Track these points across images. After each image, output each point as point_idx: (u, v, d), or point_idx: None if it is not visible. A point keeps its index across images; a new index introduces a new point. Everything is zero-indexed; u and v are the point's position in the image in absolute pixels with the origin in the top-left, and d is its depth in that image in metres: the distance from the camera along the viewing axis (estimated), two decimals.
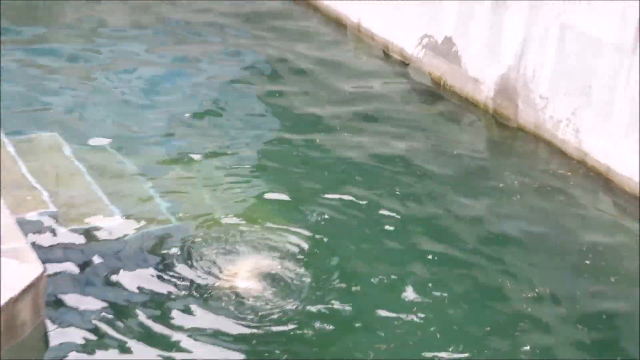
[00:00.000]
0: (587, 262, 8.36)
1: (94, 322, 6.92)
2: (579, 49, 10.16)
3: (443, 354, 6.86)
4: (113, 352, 6.63)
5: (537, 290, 7.81)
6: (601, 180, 9.87)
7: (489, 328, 7.26)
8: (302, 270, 7.72)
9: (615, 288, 8.04)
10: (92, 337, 6.75)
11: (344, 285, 7.61)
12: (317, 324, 7.11)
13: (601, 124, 9.92)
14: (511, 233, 8.80)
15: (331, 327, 7.10)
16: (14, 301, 6.23)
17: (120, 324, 6.93)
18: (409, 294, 7.59)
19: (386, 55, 13.51)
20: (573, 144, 10.32)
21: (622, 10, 9.56)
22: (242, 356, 6.72)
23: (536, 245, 8.65)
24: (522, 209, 9.31)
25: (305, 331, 7.03)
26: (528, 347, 7.03)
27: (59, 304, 7.04)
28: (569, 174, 10.08)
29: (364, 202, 9.08)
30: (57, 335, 6.70)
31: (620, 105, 9.70)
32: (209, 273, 7.62)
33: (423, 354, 6.88)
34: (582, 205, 9.52)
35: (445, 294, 7.63)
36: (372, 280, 7.77)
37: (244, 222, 8.44)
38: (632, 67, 9.50)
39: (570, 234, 8.90)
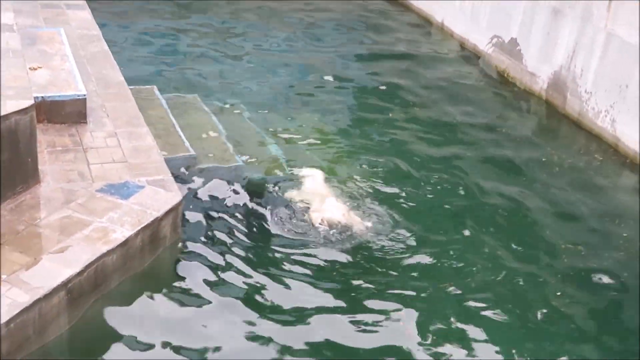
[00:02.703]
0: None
1: (219, 237, 7.08)
2: (620, 54, 9.88)
3: None
4: (234, 263, 6.75)
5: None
6: (629, 161, 9.62)
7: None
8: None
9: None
10: (216, 252, 6.89)
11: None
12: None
13: (633, 116, 9.66)
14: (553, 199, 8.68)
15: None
16: (159, 220, 6.49)
17: (235, 241, 7.05)
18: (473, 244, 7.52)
19: (462, 49, 13.36)
20: (609, 132, 10.08)
21: None
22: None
23: (571, 209, 8.50)
24: (561, 180, 9.15)
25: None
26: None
27: (192, 225, 7.21)
28: (604, 155, 9.85)
29: (442, 157, 9.19)
30: (189, 248, 6.88)
31: None
32: (307, 214, 7.60)
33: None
34: (610, 180, 9.31)
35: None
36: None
37: (349, 179, 8.39)
38: None
39: (599, 201, 8.71)
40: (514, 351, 6.07)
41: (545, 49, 11.37)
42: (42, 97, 7.53)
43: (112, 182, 6.84)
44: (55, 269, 5.64)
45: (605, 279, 7.16)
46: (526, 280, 6.99)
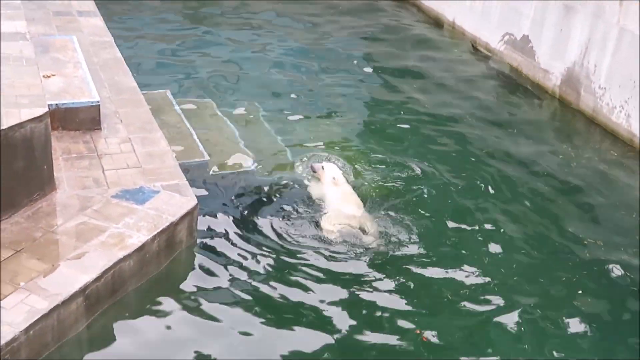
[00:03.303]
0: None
1: (234, 241, 7.08)
2: (633, 49, 9.81)
3: None
4: (249, 266, 6.76)
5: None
6: None
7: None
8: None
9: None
10: (232, 256, 6.89)
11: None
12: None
13: None
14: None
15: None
16: (174, 224, 6.51)
17: (251, 244, 7.05)
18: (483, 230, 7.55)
19: (474, 48, 13.31)
20: (624, 127, 10.00)
21: None
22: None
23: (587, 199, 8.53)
24: (579, 171, 9.15)
25: None
26: None
27: (207, 229, 7.22)
28: (619, 150, 9.78)
29: (457, 156, 9.28)
30: (205, 252, 6.89)
31: None
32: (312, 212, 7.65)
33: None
34: (628, 175, 9.23)
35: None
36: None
37: (363, 181, 8.37)
38: None
39: (617, 193, 8.70)
40: (535, 350, 6.04)
41: (557, 46, 11.31)
42: (56, 104, 7.56)
43: (127, 187, 6.86)
44: (72, 276, 5.66)
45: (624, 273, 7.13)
46: (547, 281, 6.96)
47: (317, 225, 7.38)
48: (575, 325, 6.40)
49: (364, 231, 7.31)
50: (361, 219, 7.44)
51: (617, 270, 7.16)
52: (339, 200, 7.66)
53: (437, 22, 14.52)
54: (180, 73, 11.20)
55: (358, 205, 7.66)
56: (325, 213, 7.53)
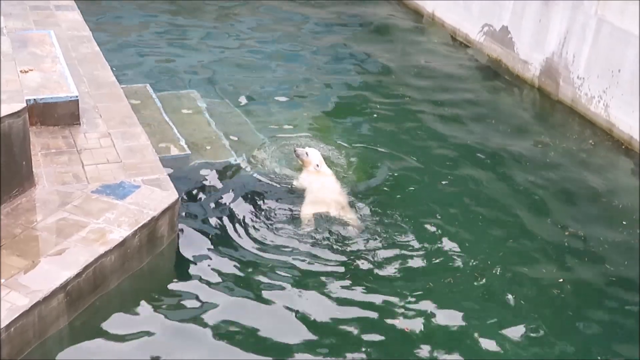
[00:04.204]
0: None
1: (216, 235, 7.07)
2: (612, 40, 9.88)
3: None
4: (231, 260, 6.75)
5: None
6: (624, 146, 9.63)
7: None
8: None
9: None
10: (214, 249, 6.88)
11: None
12: None
13: (627, 101, 9.67)
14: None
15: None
16: (156, 219, 6.48)
17: (233, 237, 7.04)
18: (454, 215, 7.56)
19: (453, 39, 13.34)
20: (602, 117, 10.08)
21: None
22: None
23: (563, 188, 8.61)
24: (558, 160, 9.21)
25: None
26: None
27: (189, 223, 7.20)
28: (597, 139, 9.86)
29: (436, 147, 9.27)
30: (187, 247, 6.88)
31: None
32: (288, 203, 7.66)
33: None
34: (605, 163, 9.33)
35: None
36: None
37: (343, 171, 8.38)
38: None
39: (597, 185, 8.76)
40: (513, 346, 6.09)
41: (536, 37, 11.36)
42: (34, 99, 7.50)
43: (108, 182, 6.82)
44: (53, 272, 5.62)
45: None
46: (528, 269, 7.02)
47: (298, 213, 7.39)
48: (558, 315, 6.47)
49: (344, 218, 7.31)
50: (341, 206, 7.45)
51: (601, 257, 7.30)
52: (320, 187, 7.66)
53: (417, 14, 14.53)
54: (161, 67, 11.14)
55: (339, 192, 7.68)
56: (305, 201, 7.53)
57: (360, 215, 7.48)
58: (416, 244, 7.15)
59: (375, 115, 10.20)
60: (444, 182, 8.46)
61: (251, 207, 7.56)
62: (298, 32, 13.32)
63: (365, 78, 11.56)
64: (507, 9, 12.02)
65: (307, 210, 7.37)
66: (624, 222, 7.93)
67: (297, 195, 7.77)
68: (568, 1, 10.62)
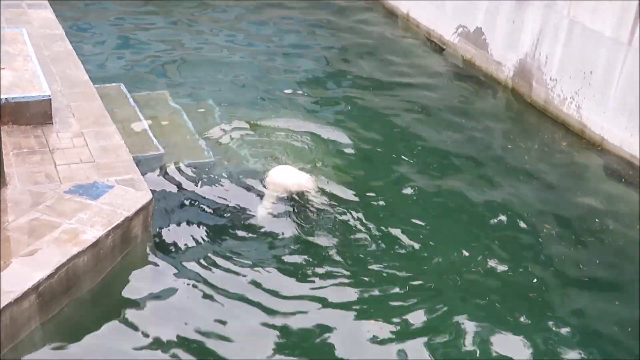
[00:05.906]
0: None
1: (190, 235, 7.05)
2: (584, 41, 9.97)
3: None
4: (205, 260, 6.74)
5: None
6: (596, 147, 9.72)
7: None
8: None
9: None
10: (188, 250, 6.87)
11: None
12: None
13: (599, 102, 9.76)
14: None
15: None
16: (129, 219, 6.43)
17: (208, 237, 7.04)
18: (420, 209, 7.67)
19: (428, 40, 13.38)
20: (575, 118, 10.17)
21: (620, 9, 9.34)
22: None
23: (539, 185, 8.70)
24: (531, 161, 9.26)
25: None
26: None
27: (163, 223, 7.16)
28: (569, 141, 9.94)
29: (408, 147, 9.34)
30: (161, 247, 6.84)
31: (615, 87, 9.51)
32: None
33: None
34: (577, 164, 9.41)
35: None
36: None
37: (315, 170, 8.38)
38: (627, 57, 9.30)
39: (568, 182, 8.86)
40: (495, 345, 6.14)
41: (510, 38, 11.43)
42: (5, 98, 7.41)
43: (81, 182, 6.76)
44: (25, 273, 5.56)
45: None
46: (504, 269, 7.09)
47: (270, 212, 7.47)
48: (533, 314, 6.52)
49: (304, 193, 7.48)
50: (300, 181, 7.65)
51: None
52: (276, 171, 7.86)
53: (391, 14, 14.55)
54: (134, 66, 11.05)
55: (297, 173, 7.83)
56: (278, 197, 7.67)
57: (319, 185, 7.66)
58: (384, 246, 7.20)
59: (343, 115, 10.20)
60: (412, 180, 8.49)
61: (225, 207, 7.54)
62: (272, 29, 13.29)
63: (336, 78, 11.56)
64: (481, 10, 12.08)
65: (262, 206, 7.52)
66: (597, 221, 8.00)
67: (269, 194, 7.77)
68: (541, 1, 10.70)
